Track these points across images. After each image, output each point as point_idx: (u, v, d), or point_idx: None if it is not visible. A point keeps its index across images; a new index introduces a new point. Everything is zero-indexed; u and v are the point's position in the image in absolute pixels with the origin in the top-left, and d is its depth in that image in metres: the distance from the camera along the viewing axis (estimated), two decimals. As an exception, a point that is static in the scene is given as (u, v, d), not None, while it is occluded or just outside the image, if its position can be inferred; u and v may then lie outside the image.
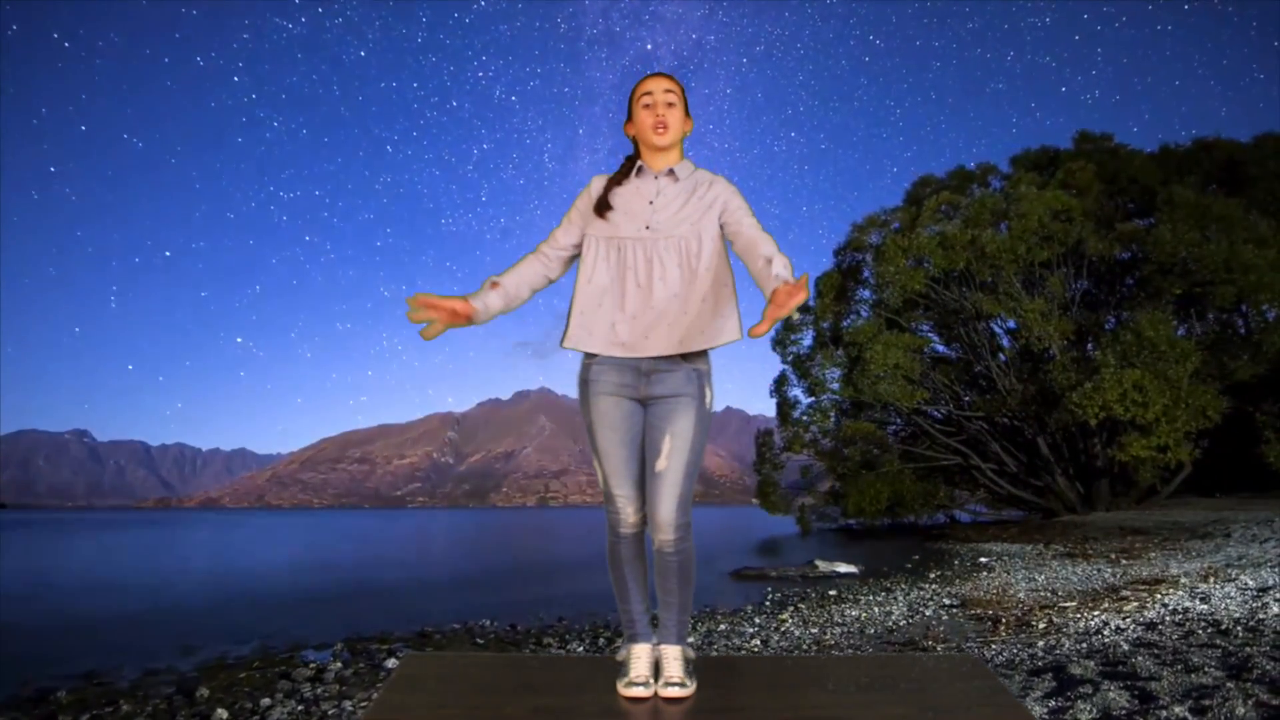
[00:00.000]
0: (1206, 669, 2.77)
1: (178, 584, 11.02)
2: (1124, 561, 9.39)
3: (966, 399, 20.02)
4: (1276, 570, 6.41)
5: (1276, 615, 3.93)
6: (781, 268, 1.77)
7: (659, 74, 1.95)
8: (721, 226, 1.93)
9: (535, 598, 8.17)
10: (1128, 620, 4.28)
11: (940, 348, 20.71)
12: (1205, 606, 4.49)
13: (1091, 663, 3.14)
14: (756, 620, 5.91)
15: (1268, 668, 2.73)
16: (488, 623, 6.45)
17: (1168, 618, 4.22)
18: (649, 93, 1.93)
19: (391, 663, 4.56)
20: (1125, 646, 3.52)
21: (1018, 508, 20.70)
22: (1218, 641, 3.41)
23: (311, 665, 4.57)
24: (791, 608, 6.76)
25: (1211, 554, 9.22)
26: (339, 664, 4.58)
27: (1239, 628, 3.68)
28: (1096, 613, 4.76)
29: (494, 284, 1.91)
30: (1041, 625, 4.53)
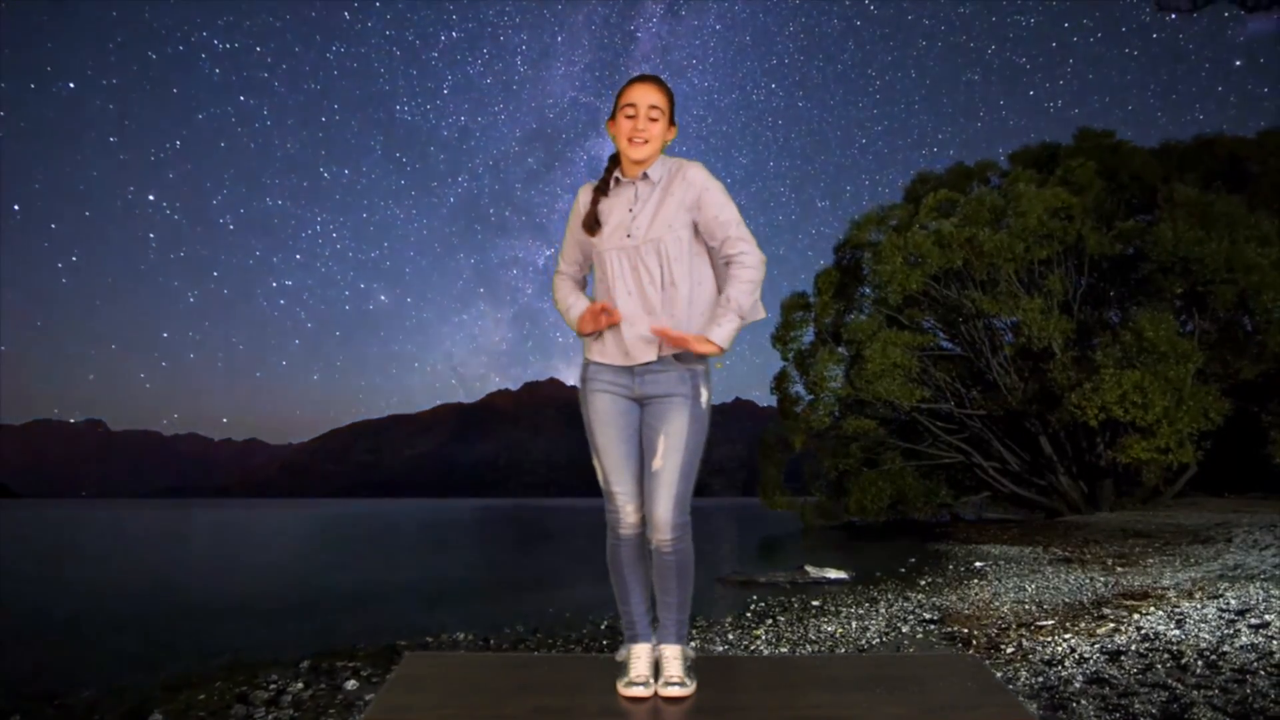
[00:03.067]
0: (1144, 718, 2.69)
1: (168, 583, 11.02)
2: (1119, 569, 9.27)
3: (969, 396, 19.88)
4: (1266, 584, 6.29)
5: (1241, 647, 3.82)
6: (723, 307, 1.88)
7: (648, 82, 1.94)
8: (695, 226, 1.95)
9: (517, 605, 8.13)
10: (1095, 647, 4.18)
11: (946, 344, 20.57)
12: (1177, 632, 4.39)
13: (1034, 705, 3.06)
14: (729, 636, 5.84)
15: (1207, 721, 2.64)
16: (461, 635, 6.41)
17: (1134, 645, 4.12)
18: (633, 104, 1.91)
19: (352, 683, 4.52)
20: (1078, 683, 3.43)
21: (1021, 507, 20.58)
22: (1170, 681, 3.31)
23: (272, 685, 4.54)
24: (770, 620, 6.69)
25: (1209, 561, 9.09)
26: (300, 684, 4.54)
27: (1200, 662, 3.58)
28: (1069, 635, 4.66)
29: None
30: (1009, 649, 4.44)
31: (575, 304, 2.03)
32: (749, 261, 1.90)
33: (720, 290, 1.95)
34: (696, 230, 1.96)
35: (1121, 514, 16.80)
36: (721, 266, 1.96)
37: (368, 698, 4.19)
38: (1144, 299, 16.66)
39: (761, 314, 1.95)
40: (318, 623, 7.27)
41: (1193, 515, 14.83)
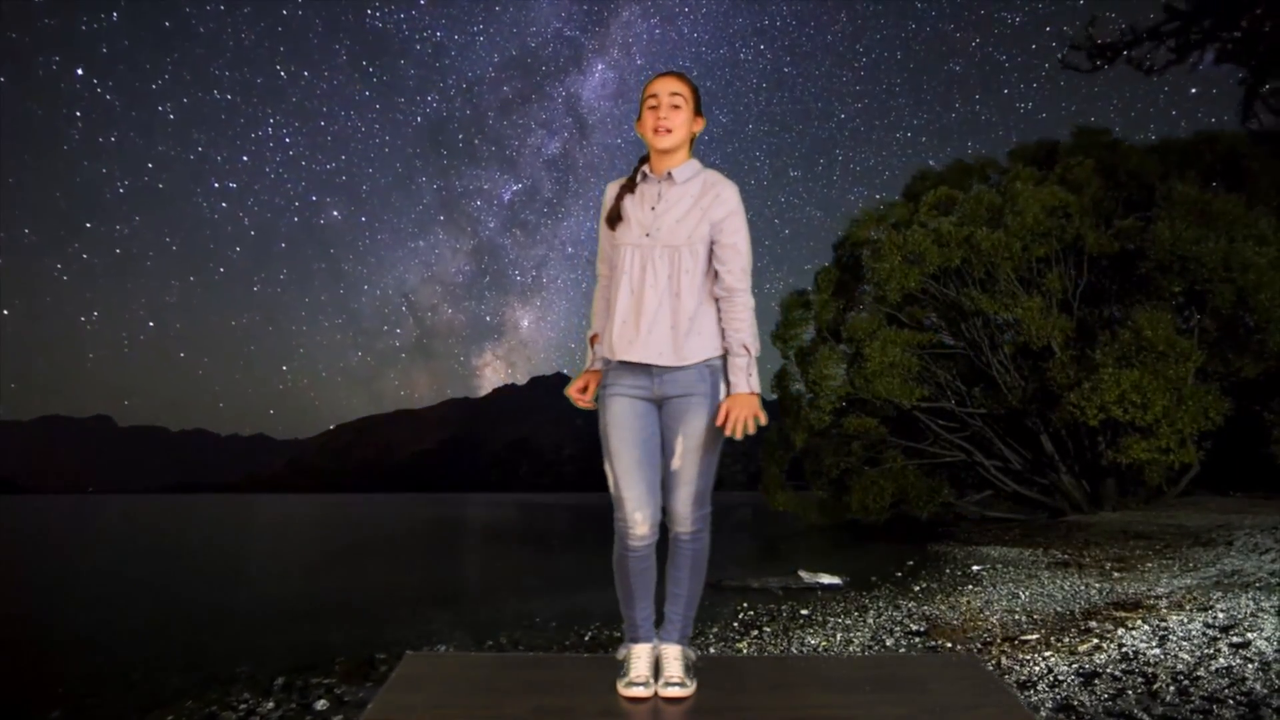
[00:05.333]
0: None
1: (157, 586, 10.98)
2: (1116, 574, 9.21)
3: (970, 394, 19.77)
4: (1258, 595, 6.21)
5: (1216, 670, 3.75)
6: (739, 357, 1.91)
7: (668, 74, 1.94)
8: (711, 246, 1.95)
9: (504, 612, 8.10)
10: (1073, 667, 4.12)
11: (948, 340, 20.47)
12: (1158, 651, 4.32)
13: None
14: (711, 650, 5.79)
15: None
16: (444, 648, 6.38)
17: (1111, 667, 4.05)
18: (654, 95, 1.91)
19: (322, 703, 4.50)
20: (1045, 711, 3.37)
21: (1024, 506, 20.48)
22: (1137, 711, 3.25)
23: (243, 705, 4.51)
24: (756, 630, 6.65)
25: (1206, 567, 9.02)
26: (271, 704, 4.52)
27: (1172, 687, 3.51)
28: (1049, 653, 4.60)
29: (594, 338, 2.07)
30: (988, 668, 4.39)
31: (589, 352, 2.08)
32: (747, 301, 1.94)
33: (719, 320, 1.97)
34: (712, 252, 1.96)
35: (1124, 514, 16.68)
36: (714, 290, 1.96)
37: (335, 719, 4.17)
38: (1144, 297, 16.53)
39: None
40: (304, 630, 7.23)
41: (1195, 516, 14.71)
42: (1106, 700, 3.42)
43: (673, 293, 1.88)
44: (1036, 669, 4.18)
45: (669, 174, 1.94)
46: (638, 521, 1.87)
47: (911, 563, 12.22)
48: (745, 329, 1.92)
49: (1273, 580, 7.18)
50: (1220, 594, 6.50)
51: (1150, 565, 9.74)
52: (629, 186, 1.99)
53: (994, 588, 8.69)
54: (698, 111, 1.94)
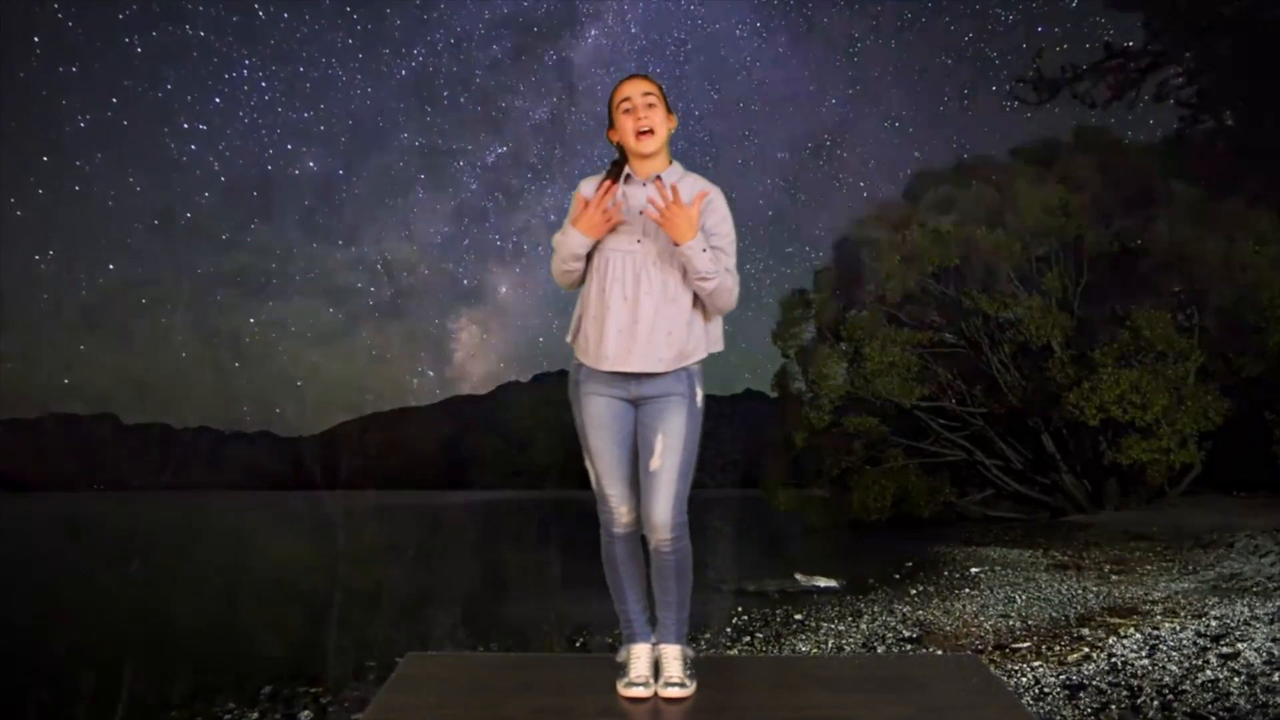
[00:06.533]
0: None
1: (152, 588, 10.90)
2: (1114, 577, 9.16)
3: (971, 393, 19.69)
4: (1253, 600, 6.18)
5: (1202, 684, 3.71)
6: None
7: (634, 77, 1.93)
8: None
9: (498, 618, 8.09)
10: (1060, 679, 4.08)
11: (948, 339, 20.39)
12: (1146, 662, 4.28)
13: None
14: (702, 656, 5.77)
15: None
16: (434, 654, 6.36)
17: (1099, 679, 4.01)
18: (627, 98, 1.89)
19: (306, 714, 4.49)
20: (1029, 729, 3.34)
21: (1026, 505, 20.40)
22: (1120, 729, 3.23)
23: (226, 716, 4.50)
24: (748, 637, 6.63)
25: (1206, 569, 8.99)
26: (255, 714, 4.51)
27: (1156, 702, 3.48)
28: (1038, 663, 4.57)
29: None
30: (990, 668, 4.36)
31: (567, 228, 1.92)
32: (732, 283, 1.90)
33: (701, 318, 1.94)
34: None
35: (1126, 513, 16.60)
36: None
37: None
38: (1144, 297, 16.47)
39: (727, 305, 1.89)
40: (299, 633, 7.18)
41: (1197, 516, 14.62)
42: (1089, 715, 3.39)
43: (668, 298, 1.85)
44: (1024, 679, 4.14)
45: (658, 177, 1.88)
46: (623, 512, 1.93)
47: (910, 564, 12.14)
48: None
49: (1270, 585, 7.14)
50: (1216, 599, 6.46)
51: (1149, 568, 9.69)
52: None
53: (991, 591, 8.64)
54: (669, 110, 1.92)
